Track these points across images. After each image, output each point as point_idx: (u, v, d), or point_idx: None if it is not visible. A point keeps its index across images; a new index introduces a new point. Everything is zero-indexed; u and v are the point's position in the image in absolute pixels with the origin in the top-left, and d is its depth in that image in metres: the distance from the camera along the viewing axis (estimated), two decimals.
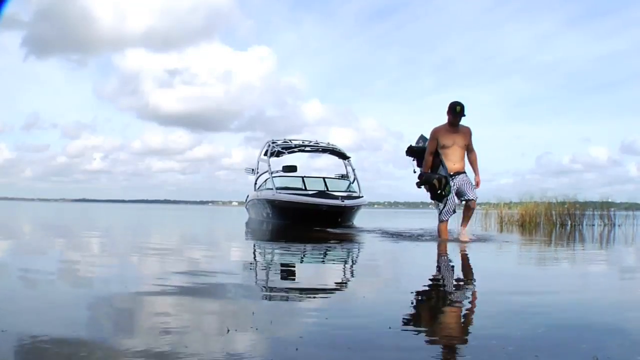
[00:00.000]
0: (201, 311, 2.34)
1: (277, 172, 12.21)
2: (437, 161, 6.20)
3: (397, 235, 7.41)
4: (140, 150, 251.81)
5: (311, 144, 13.06)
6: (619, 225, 12.40)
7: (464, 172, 6.27)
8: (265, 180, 12.50)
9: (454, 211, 6.26)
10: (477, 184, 6.28)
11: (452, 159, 6.18)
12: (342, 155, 13.07)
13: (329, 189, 11.77)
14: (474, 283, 3.47)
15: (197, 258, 4.80)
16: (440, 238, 6.33)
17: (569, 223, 12.09)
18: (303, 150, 13.17)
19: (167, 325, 1.99)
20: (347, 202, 10.42)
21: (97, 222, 13.37)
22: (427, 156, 6.26)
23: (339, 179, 13.01)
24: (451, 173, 6.16)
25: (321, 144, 13.13)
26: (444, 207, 6.19)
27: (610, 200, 13.73)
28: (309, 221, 9.86)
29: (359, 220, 12.20)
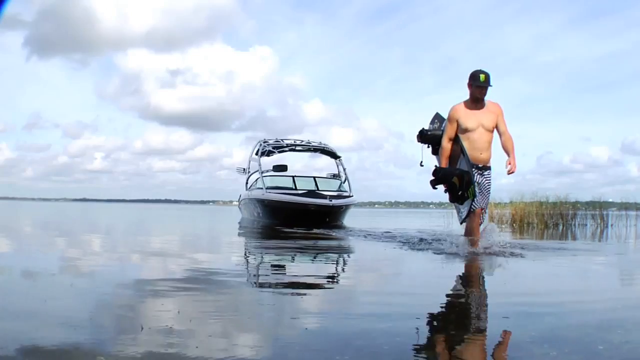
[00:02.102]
0: (125, 308, 2.35)
1: (267, 171, 12.21)
2: (458, 150, 4.85)
3: (383, 237, 7.18)
4: (142, 150, 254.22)
5: (302, 143, 13.05)
6: (611, 225, 12.33)
7: (490, 168, 4.89)
8: (256, 180, 12.51)
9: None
10: (511, 165, 4.69)
11: (479, 146, 4.77)
12: (333, 155, 13.04)
13: (320, 189, 11.71)
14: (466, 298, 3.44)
15: (164, 258, 4.83)
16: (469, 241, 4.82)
17: (561, 223, 12.02)
18: (294, 150, 13.15)
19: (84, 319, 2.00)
20: (335, 202, 10.39)
21: (92, 222, 13.44)
22: (444, 143, 4.90)
23: (330, 178, 12.96)
24: (480, 165, 4.79)
25: (312, 144, 13.11)
26: (463, 209, 4.81)
27: (610, 200, 13.63)
28: (297, 221, 9.82)
29: (351, 220, 12.16)
